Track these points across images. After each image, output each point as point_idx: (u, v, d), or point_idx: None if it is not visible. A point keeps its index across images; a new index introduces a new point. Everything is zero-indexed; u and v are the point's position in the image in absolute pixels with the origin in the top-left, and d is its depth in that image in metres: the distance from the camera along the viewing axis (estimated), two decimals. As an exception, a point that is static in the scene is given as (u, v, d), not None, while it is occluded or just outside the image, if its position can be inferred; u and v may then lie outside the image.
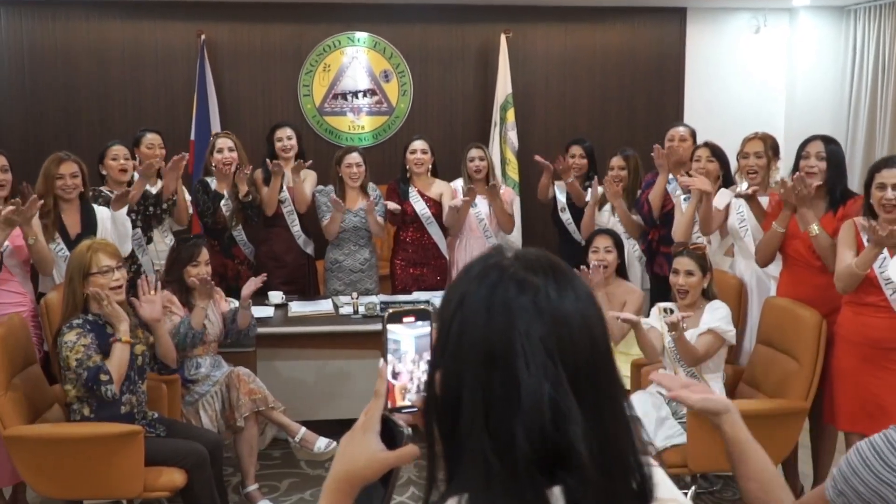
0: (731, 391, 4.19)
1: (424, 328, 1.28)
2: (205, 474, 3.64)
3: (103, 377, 3.46)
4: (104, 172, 5.13)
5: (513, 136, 7.09)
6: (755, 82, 7.54)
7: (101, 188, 5.04)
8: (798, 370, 3.85)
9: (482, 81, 7.31)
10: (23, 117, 6.79)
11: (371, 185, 5.63)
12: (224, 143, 5.43)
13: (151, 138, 5.49)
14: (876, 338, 3.66)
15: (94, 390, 3.48)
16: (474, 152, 5.73)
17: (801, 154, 4.14)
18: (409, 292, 5.57)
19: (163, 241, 5.30)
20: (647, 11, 7.41)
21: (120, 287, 3.64)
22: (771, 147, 4.55)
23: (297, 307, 5.17)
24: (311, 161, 5.70)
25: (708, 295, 4.12)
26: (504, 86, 7.11)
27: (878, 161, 3.78)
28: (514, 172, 7.08)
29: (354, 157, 5.49)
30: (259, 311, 5.05)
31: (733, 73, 7.52)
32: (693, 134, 5.36)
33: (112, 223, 4.65)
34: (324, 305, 5.22)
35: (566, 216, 5.84)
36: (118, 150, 5.15)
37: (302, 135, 5.88)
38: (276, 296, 5.31)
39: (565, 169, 5.68)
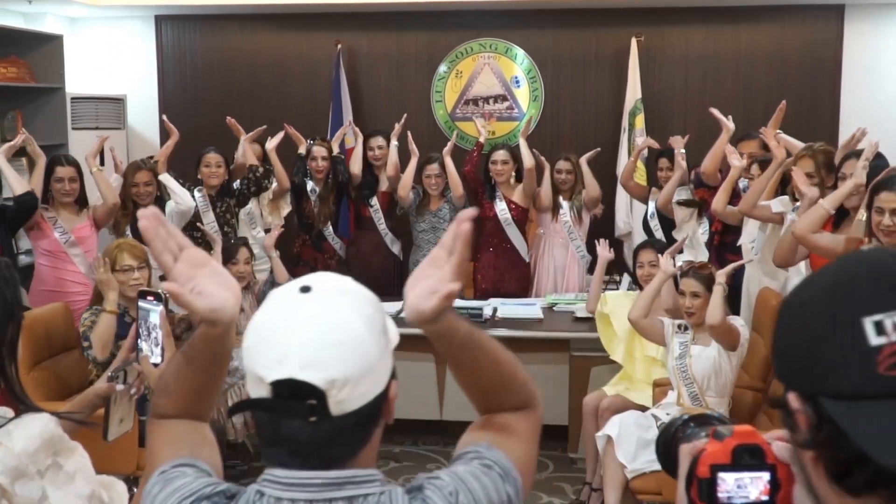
0: (752, 417, 3.86)
1: (157, 307, 1.90)
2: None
3: (85, 343, 3.84)
4: (199, 177, 5.52)
5: (641, 142, 6.84)
6: (927, 85, 6.77)
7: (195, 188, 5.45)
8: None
9: (615, 87, 7.11)
10: (185, 122, 7.46)
11: None
12: (319, 151, 5.81)
13: (209, 158, 5.63)
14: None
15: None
16: (561, 164, 5.83)
17: (841, 166, 3.73)
18: (487, 298, 5.58)
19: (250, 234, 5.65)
20: (800, 9, 6.86)
21: (140, 285, 3.96)
22: (824, 165, 4.10)
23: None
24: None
25: (720, 314, 3.84)
26: (633, 91, 6.88)
27: (878, 181, 3.32)
28: (641, 179, 6.82)
29: (434, 169, 5.73)
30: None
31: (900, 75, 6.80)
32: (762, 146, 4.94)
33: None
34: (391, 307, 5.35)
35: (654, 223, 5.61)
36: (211, 157, 5.54)
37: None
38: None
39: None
